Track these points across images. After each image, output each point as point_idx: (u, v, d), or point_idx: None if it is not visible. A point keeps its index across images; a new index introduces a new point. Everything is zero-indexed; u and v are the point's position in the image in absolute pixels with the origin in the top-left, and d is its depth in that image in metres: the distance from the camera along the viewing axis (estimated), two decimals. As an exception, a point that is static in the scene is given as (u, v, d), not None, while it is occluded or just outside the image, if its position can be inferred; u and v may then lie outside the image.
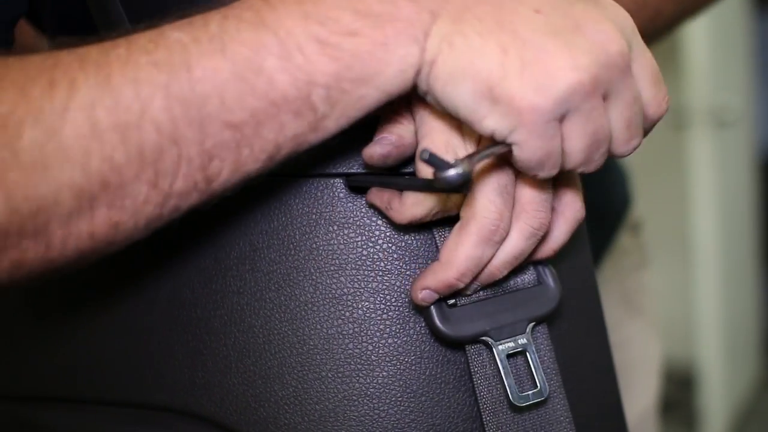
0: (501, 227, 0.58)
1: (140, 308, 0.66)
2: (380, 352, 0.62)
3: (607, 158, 0.95)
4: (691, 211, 2.60)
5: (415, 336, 0.62)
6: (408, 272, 0.63)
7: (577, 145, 0.55)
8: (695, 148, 2.53)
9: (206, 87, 0.53)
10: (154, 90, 0.52)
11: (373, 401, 0.62)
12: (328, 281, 0.62)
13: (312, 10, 0.53)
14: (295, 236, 0.63)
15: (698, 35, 2.45)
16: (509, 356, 0.63)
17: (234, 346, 0.63)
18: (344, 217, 0.62)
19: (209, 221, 0.64)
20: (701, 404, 2.64)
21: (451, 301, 0.62)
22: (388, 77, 0.54)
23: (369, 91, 0.55)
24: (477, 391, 0.62)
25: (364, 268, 0.62)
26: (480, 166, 0.58)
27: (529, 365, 0.63)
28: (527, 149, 0.54)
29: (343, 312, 0.62)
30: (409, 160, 0.60)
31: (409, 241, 0.62)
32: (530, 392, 0.63)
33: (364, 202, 0.63)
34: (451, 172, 0.54)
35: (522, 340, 0.63)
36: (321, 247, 0.62)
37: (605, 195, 0.94)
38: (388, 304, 0.62)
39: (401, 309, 0.62)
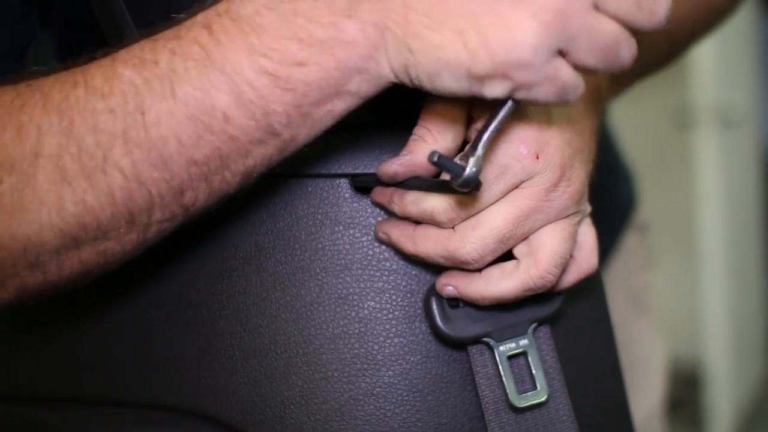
0: (552, 282, 0.61)
1: (146, 308, 0.66)
2: (386, 351, 0.62)
3: (612, 158, 0.96)
4: (696, 211, 2.60)
5: (420, 336, 0.62)
6: (413, 272, 0.63)
7: (593, 62, 0.54)
8: (701, 147, 2.53)
9: (162, 130, 0.54)
10: (113, 137, 0.54)
11: (379, 401, 0.62)
12: (333, 281, 0.62)
13: (257, 42, 0.53)
14: (300, 236, 0.63)
15: (704, 34, 2.44)
16: (511, 357, 0.63)
17: (240, 346, 0.63)
18: (350, 218, 0.63)
19: (215, 222, 0.64)
20: (707, 403, 2.64)
21: (454, 302, 0.62)
22: (353, 91, 0.55)
23: (335, 103, 0.55)
24: (479, 391, 0.62)
25: (369, 268, 0.62)
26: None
27: (530, 366, 0.63)
28: (540, 96, 0.54)
29: (348, 312, 0.62)
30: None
31: (415, 241, 0.62)
32: (530, 393, 0.63)
33: (369, 202, 0.63)
34: (468, 174, 0.55)
35: (523, 342, 0.63)
36: (326, 247, 0.62)
37: (611, 195, 0.94)
38: (394, 303, 0.62)
39: (407, 309, 0.62)
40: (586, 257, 0.63)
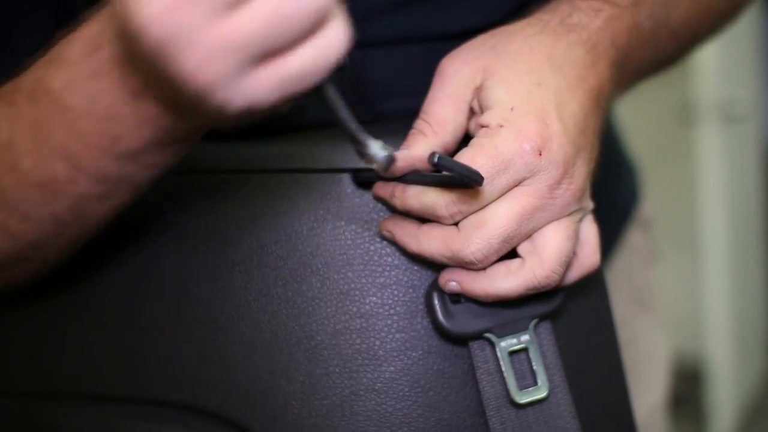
0: (556, 281, 0.61)
1: (147, 304, 0.66)
2: (387, 347, 0.62)
3: (615, 154, 0.96)
4: (699, 207, 2.60)
5: (422, 331, 0.62)
6: (415, 268, 0.63)
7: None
8: (703, 143, 2.52)
9: (16, 194, 0.58)
10: None
11: (381, 396, 0.62)
12: (335, 276, 0.62)
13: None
14: (302, 232, 0.63)
15: (706, 30, 2.43)
16: (512, 353, 0.63)
17: (241, 342, 0.63)
18: (351, 213, 0.62)
19: (215, 218, 0.64)
20: (710, 399, 2.64)
21: (456, 297, 0.62)
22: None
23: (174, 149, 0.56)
24: (480, 387, 0.62)
25: (371, 263, 0.62)
26: None
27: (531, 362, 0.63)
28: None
29: (350, 307, 0.62)
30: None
31: (416, 237, 0.62)
32: (531, 388, 0.63)
33: (371, 197, 0.63)
34: (475, 175, 0.56)
35: (524, 337, 0.63)
36: (328, 243, 0.62)
37: (614, 191, 0.94)
38: (396, 299, 0.62)
39: (408, 304, 0.62)
40: (589, 254, 0.63)
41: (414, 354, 0.62)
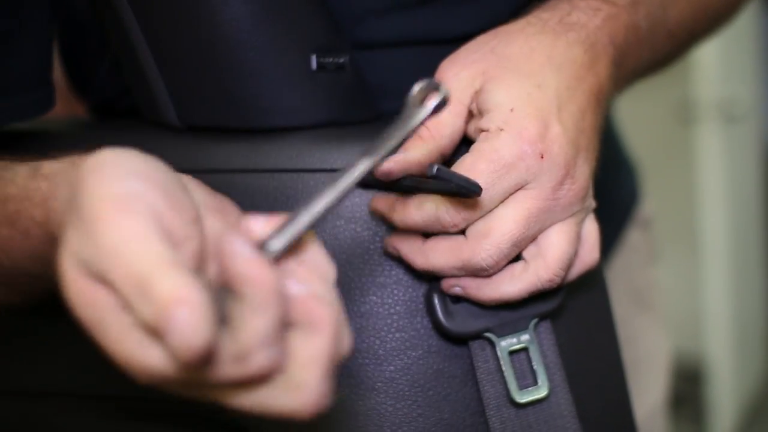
0: (559, 283, 0.61)
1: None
2: (387, 346, 0.62)
3: (615, 153, 0.96)
4: (699, 206, 2.59)
5: (422, 330, 0.62)
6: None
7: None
8: (703, 142, 2.52)
9: None
10: None
11: (380, 395, 0.62)
12: (335, 276, 0.62)
13: None
14: (302, 231, 0.62)
15: (706, 30, 2.43)
16: (512, 352, 0.63)
17: (241, 341, 0.63)
18: (351, 212, 0.62)
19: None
20: (710, 399, 2.64)
21: (455, 297, 0.62)
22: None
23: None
24: (480, 387, 0.62)
25: (371, 262, 0.62)
26: None
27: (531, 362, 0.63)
28: None
29: (350, 307, 0.62)
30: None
31: (416, 236, 0.62)
32: (531, 388, 0.63)
33: (370, 196, 0.62)
34: (474, 186, 0.56)
35: (524, 337, 0.63)
36: (328, 242, 0.62)
37: (614, 190, 0.94)
38: (395, 298, 0.62)
39: (408, 304, 0.62)
40: (589, 251, 0.63)
41: (414, 353, 0.62)
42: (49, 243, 0.50)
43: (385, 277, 0.62)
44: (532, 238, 0.60)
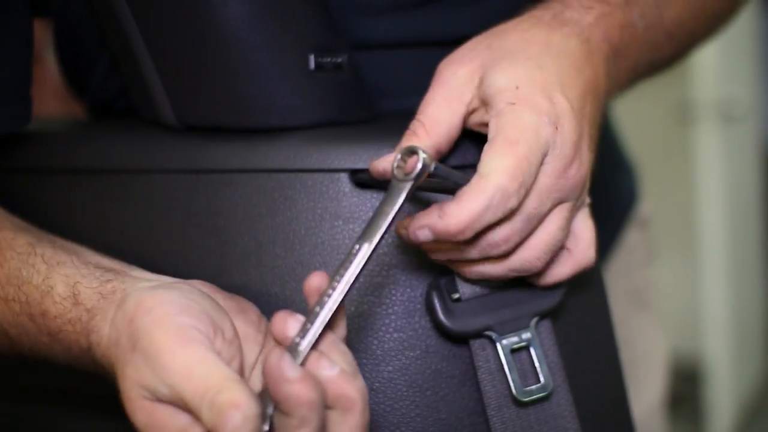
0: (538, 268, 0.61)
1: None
2: (385, 346, 0.62)
3: (614, 153, 0.96)
4: (697, 206, 2.59)
5: (420, 331, 0.62)
6: (412, 267, 0.62)
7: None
8: (702, 142, 2.52)
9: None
10: None
11: (379, 396, 0.62)
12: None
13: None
14: (300, 231, 0.63)
15: (705, 29, 2.42)
16: (513, 351, 0.63)
17: (239, 341, 0.63)
18: (349, 212, 0.62)
19: (214, 217, 0.64)
20: (708, 399, 2.64)
21: (456, 296, 0.62)
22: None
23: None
24: (481, 386, 0.62)
25: (369, 263, 0.62)
26: None
27: (533, 360, 0.63)
28: None
29: (348, 307, 0.62)
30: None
31: (415, 236, 0.62)
32: (534, 387, 0.62)
33: (369, 196, 0.62)
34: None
35: (526, 335, 0.63)
36: (326, 242, 0.62)
37: (612, 190, 0.94)
38: (393, 298, 0.62)
39: (406, 304, 0.62)
40: (584, 250, 0.63)
41: (412, 354, 0.62)
42: (91, 361, 0.59)
43: (383, 278, 0.62)
44: (543, 216, 0.60)
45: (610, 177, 0.93)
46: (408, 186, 0.55)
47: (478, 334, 0.62)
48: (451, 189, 0.58)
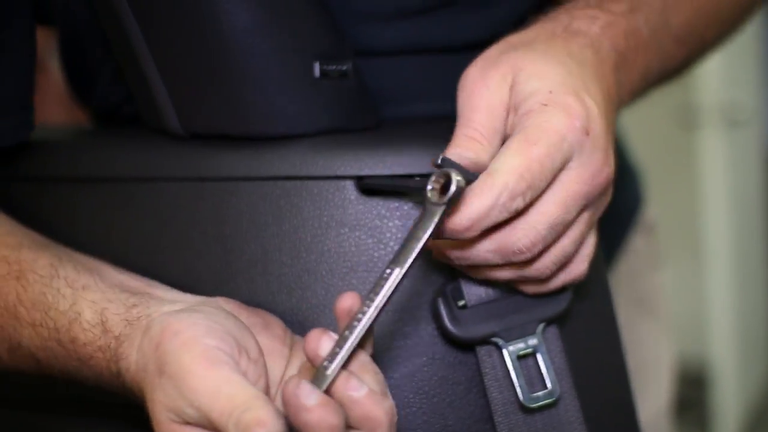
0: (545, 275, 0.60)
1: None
2: (392, 353, 0.62)
3: (619, 158, 0.96)
4: (702, 211, 2.60)
5: (426, 338, 0.62)
6: (419, 274, 0.62)
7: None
8: (706, 147, 2.52)
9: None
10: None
11: (385, 403, 0.61)
12: (339, 284, 0.62)
13: (24, 311, 0.63)
14: (306, 239, 0.62)
15: (708, 34, 2.42)
16: (520, 357, 0.62)
17: (245, 349, 0.63)
18: (355, 219, 0.62)
19: (220, 224, 0.64)
20: (714, 404, 2.64)
21: (462, 303, 0.62)
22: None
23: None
24: (488, 393, 0.62)
25: (375, 270, 0.62)
26: None
27: (540, 366, 0.63)
28: None
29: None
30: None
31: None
32: (541, 393, 0.62)
33: (374, 204, 0.62)
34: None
35: (532, 341, 0.63)
36: (332, 250, 0.62)
37: (617, 195, 0.93)
38: (400, 306, 0.62)
39: (413, 311, 0.62)
40: (578, 263, 0.62)
41: (418, 361, 0.62)
42: (121, 386, 0.60)
43: (390, 285, 0.62)
44: (568, 224, 0.59)
45: (615, 182, 0.93)
46: (441, 210, 0.55)
47: (485, 341, 0.62)
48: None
